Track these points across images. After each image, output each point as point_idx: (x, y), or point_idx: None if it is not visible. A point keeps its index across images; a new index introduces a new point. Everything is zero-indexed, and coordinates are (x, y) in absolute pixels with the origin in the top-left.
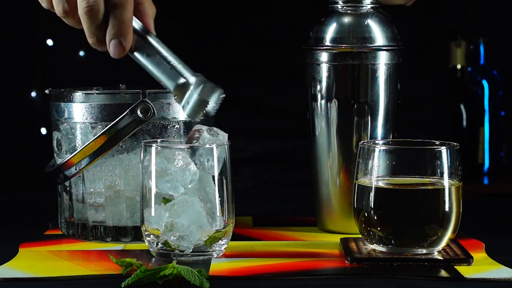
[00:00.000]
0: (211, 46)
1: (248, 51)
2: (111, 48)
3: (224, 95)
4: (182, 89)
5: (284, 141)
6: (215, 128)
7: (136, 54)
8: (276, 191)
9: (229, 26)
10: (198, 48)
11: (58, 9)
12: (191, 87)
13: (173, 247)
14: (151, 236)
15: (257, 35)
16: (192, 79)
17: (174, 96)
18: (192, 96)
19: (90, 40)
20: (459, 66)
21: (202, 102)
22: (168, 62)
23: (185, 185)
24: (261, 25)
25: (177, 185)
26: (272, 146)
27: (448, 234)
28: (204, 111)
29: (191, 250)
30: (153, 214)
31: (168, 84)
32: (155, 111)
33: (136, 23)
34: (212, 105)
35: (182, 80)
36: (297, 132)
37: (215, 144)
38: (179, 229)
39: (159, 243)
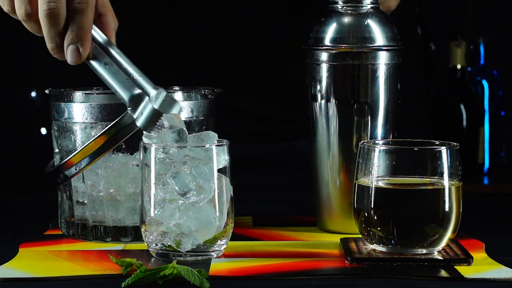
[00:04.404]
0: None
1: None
2: (68, 54)
3: (182, 110)
4: (137, 100)
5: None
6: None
7: (92, 62)
8: (276, 191)
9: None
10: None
11: (20, 13)
12: (146, 98)
13: (174, 241)
14: (151, 236)
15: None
16: (152, 92)
17: (128, 108)
18: (147, 107)
19: (49, 46)
20: (459, 66)
21: (156, 114)
22: (127, 73)
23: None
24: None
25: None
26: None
27: (448, 234)
28: (158, 123)
29: (189, 249)
30: (165, 210)
31: (123, 94)
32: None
33: (97, 33)
34: (168, 117)
35: (137, 91)
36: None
37: (215, 144)
38: (185, 231)
39: (158, 241)
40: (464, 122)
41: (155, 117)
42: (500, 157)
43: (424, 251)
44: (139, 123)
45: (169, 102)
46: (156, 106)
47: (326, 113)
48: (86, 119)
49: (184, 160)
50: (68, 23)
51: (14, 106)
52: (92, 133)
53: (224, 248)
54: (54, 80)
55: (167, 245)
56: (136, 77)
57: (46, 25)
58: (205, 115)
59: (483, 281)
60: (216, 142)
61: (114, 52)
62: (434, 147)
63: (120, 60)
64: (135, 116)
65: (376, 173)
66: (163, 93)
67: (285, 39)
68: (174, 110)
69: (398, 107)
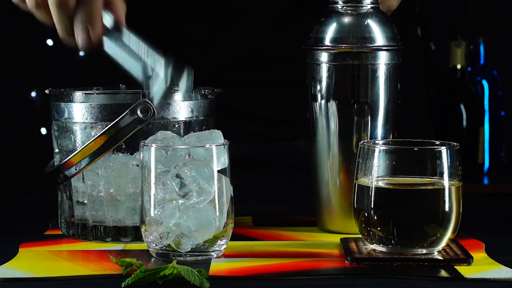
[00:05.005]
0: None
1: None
2: (79, 38)
3: (192, 75)
4: (151, 80)
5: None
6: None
7: (104, 47)
8: (276, 191)
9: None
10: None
11: (29, 3)
12: (160, 78)
13: (173, 242)
14: (151, 236)
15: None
16: (161, 71)
17: (145, 89)
18: (161, 86)
19: (60, 33)
20: (459, 66)
21: (169, 93)
22: (138, 55)
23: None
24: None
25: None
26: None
27: (448, 234)
28: (173, 93)
29: (188, 250)
30: (166, 210)
31: (138, 77)
32: (155, 111)
33: (107, 18)
34: (183, 88)
35: (150, 73)
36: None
37: (215, 144)
38: (184, 231)
39: (158, 241)
40: (464, 122)
41: (168, 95)
42: (500, 157)
43: (424, 251)
44: (155, 103)
45: (178, 74)
46: (167, 84)
47: (326, 113)
48: (86, 119)
49: (184, 162)
50: (78, 9)
51: (14, 106)
52: (92, 133)
53: (224, 248)
54: (54, 80)
55: (167, 245)
56: (146, 59)
57: (56, 13)
58: (205, 115)
59: (483, 281)
60: (221, 140)
61: (125, 35)
62: (434, 147)
63: (131, 42)
64: (151, 96)
65: (376, 173)
66: (170, 69)
67: (285, 40)
68: (185, 79)
69: (398, 107)
